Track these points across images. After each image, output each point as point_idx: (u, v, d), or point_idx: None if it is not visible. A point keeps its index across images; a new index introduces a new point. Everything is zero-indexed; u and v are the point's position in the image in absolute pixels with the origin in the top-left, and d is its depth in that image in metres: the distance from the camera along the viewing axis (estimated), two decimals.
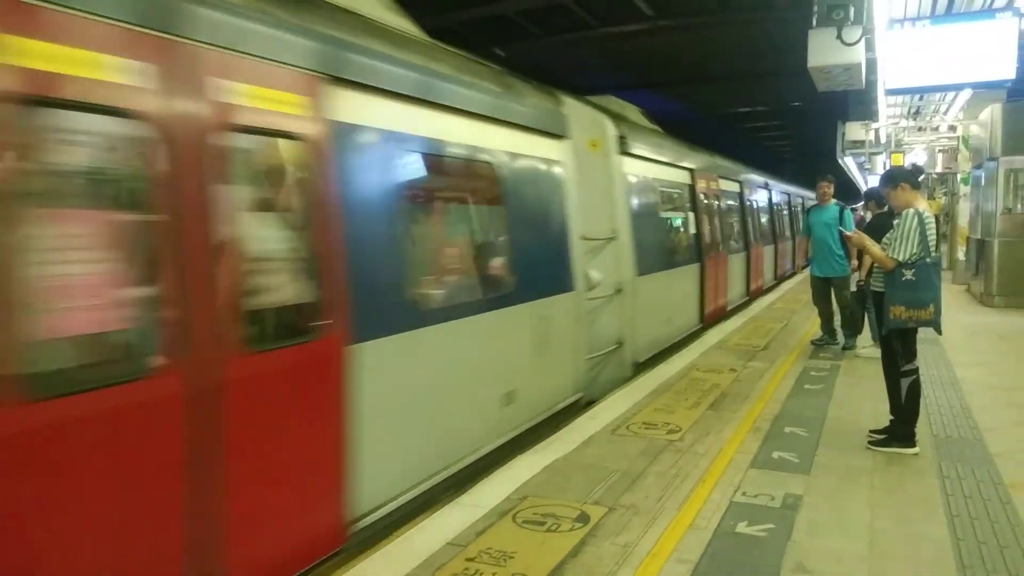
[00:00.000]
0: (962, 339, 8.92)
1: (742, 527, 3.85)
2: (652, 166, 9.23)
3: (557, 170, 6.40)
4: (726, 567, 3.43)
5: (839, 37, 7.20)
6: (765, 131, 28.86)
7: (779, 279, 18.47)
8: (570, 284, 6.46)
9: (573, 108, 7.12)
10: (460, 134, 5.02)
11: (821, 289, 8.96)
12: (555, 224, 6.34)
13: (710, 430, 5.56)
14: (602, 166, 7.69)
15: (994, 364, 7.83)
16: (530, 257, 5.84)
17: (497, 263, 5.59)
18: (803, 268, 9.76)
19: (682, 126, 14.60)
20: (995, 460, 4.84)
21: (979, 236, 13.33)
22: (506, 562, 3.46)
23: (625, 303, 7.89)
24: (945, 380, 7.07)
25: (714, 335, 9.95)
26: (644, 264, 8.34)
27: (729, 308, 12.71)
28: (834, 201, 8.97)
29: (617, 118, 8.53)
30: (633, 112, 10.47)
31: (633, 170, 8.44)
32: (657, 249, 9.16)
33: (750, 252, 14.94)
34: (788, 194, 22.50)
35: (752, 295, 14.89)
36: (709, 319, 11.22)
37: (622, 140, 8.01)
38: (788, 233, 21.09)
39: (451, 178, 5.34)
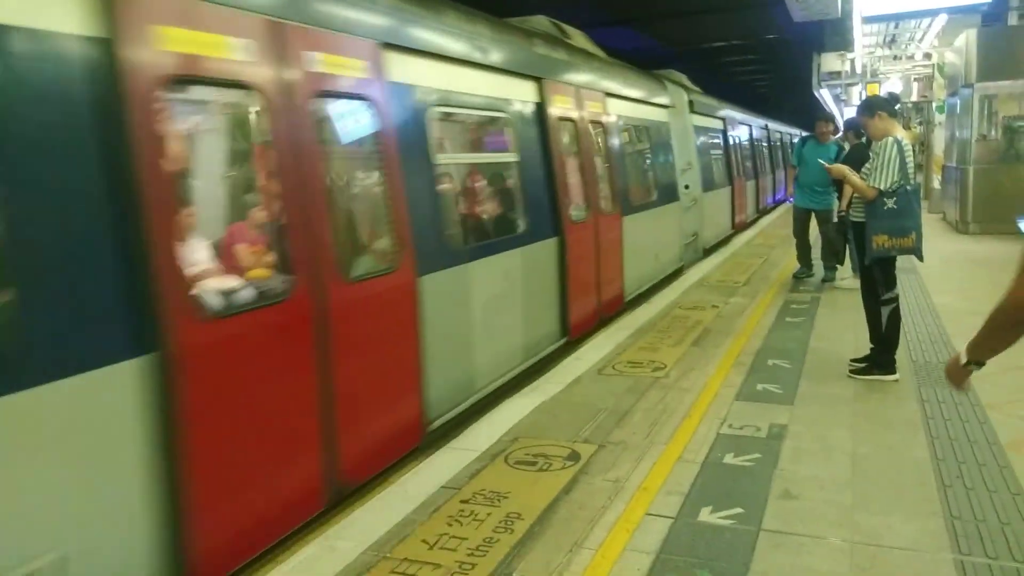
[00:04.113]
0: (939, 266, 9.03)
1: (729, 458, 3.94)
2: (705, 119, 13.59)
3: (669, 127, 10.92)
4: (715, 497, 3.51)
5: None
6: (741, 65, 28.56)
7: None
8: (676, 196, 10.80)
9: (671, 86, 11.66)
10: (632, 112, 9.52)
11: (803, 220, 9.07)
12: (669, 160, 10.77)
13: (694, 366, 5.64)
14: (681, 121, 11.74)
15: (970, 290, 7.93)
16: (660, 180, 10.24)
17: (650, 182, 10.04)
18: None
19: (658, 63, 14.41)
20: (972, 382, 4.93)
21: (954, 164, 13.41)
22: (500, 502, 3.52)
23: (698, 209, 11.99)
24: (923, 307, 7.19)
25: (694, 273, 10.03)
26: (705, 184, 12.66)
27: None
28: (834, 139, 8.97)
29: (684, 87, 12.69)
30: (683, 78, 13.88)
31: (696, 123, 12.64)
32: (709, 175, 13.33)
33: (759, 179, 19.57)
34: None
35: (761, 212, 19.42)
36: (738, 227, 15.68)
37: (691, 104, 12.35)
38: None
39: (633, 136, 9.73)
